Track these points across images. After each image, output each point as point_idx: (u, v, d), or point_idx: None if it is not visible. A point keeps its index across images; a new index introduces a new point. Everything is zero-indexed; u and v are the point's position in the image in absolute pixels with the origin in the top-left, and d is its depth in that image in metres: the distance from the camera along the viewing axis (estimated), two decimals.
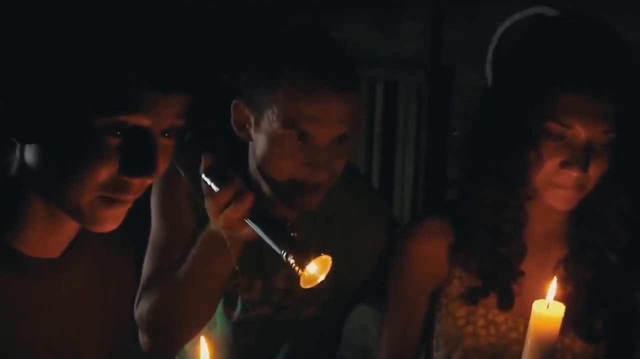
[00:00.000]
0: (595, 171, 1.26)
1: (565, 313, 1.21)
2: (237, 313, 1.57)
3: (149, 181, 1.00)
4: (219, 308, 1.54)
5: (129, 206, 1.02)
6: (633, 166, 1.28)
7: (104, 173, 0.95)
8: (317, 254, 1.18)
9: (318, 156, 1.33)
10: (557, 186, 1.28)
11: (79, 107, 0.92)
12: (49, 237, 1.04)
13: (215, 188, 1.27)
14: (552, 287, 1.21)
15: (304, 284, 1.20)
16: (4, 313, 0.99)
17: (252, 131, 1.38)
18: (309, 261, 1.18)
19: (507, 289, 1.38)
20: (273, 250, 1.21)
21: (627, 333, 1.38)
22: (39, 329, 1.03)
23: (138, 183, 0.98)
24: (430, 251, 1.42)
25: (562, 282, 1.37)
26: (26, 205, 1.01)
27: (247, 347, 1.59)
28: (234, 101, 1.40)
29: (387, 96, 3.44)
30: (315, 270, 1.19)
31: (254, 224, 1.25)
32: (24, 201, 1.01)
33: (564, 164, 1.25)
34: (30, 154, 0.97)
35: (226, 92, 1.43)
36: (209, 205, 1.29)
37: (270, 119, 1.32)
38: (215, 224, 1.31)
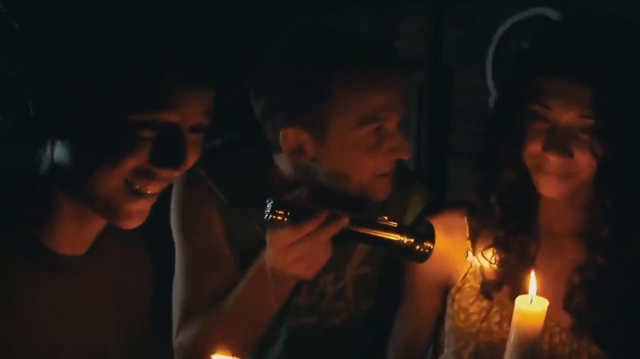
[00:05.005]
0: (582, 158, 1.28)
1: (581, 319, 1.28)
2: (286, 320, 1.51)
3: (176, 174, 1.05)
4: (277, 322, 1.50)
5: (153, 201, 1.07)
6: (618, 158, 1.28)
7: (133, 162, 1.00)
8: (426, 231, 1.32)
9: (396, 140, 1.37)
10: (544, 172, 1.31)
11: (115, 104, 0.98)
12: (77, 235, 1.08)
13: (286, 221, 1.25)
14: (532, 281, 1.20)
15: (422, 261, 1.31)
16: (35, 310, 1.02)
17: (314, 151, 1.35)
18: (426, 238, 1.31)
19: (520, 283, 1.37)
20: None
21: None
22: (67, 326, 1.07)
23: (165, 175, 1.04)
24: (445, 246, 1.43)
25: (577, 287, 1.38)
26: (56, 204, 1.05)
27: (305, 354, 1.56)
28: (282, 131, 1.35)
29: None
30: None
31: (357, 234, 1.31)
32: (54, 199, 1.05)
33: (544, 147, 1.29)
34: (61, 151, 1.02)
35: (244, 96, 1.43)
36: (275, 237, 1.27)
37: (339, 127, 1.32)
38: (273, 259, 1.28)
